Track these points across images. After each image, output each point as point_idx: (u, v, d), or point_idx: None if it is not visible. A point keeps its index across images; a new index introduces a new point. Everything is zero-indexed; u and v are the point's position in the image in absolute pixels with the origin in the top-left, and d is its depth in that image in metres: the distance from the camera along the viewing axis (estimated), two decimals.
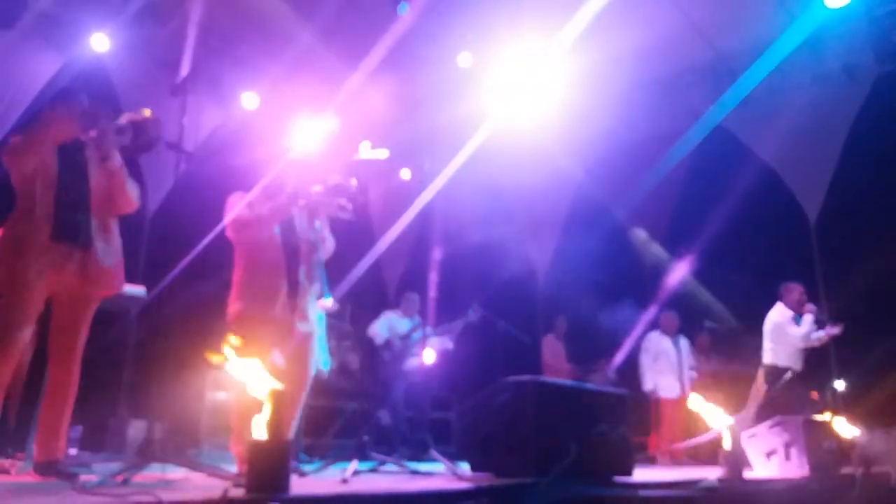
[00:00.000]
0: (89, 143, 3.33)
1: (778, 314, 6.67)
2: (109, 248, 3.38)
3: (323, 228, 4.06)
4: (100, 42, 6.50)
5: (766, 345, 6.66)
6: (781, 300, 6.72)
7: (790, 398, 6.42)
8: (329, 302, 3.99)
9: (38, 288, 3.18)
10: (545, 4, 6.66)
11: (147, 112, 3.40)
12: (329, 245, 4.10)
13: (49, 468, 3.18)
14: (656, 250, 9.27)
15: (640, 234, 9.38)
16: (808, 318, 6.50)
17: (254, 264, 3.85)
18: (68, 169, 3.32)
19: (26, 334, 3.18)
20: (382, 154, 4.07)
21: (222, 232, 4.90)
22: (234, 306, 3.82)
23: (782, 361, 6.53)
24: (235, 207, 3.79)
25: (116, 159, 3.37)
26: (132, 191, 3.48)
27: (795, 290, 6.67)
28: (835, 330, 6.52)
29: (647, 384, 7.80)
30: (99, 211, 3.37)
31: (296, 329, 3.83)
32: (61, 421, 3.31)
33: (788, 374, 6.46)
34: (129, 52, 6.69)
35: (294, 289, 3.86)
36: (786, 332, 6.56)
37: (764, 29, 7.68)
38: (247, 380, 2.60)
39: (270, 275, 3.81)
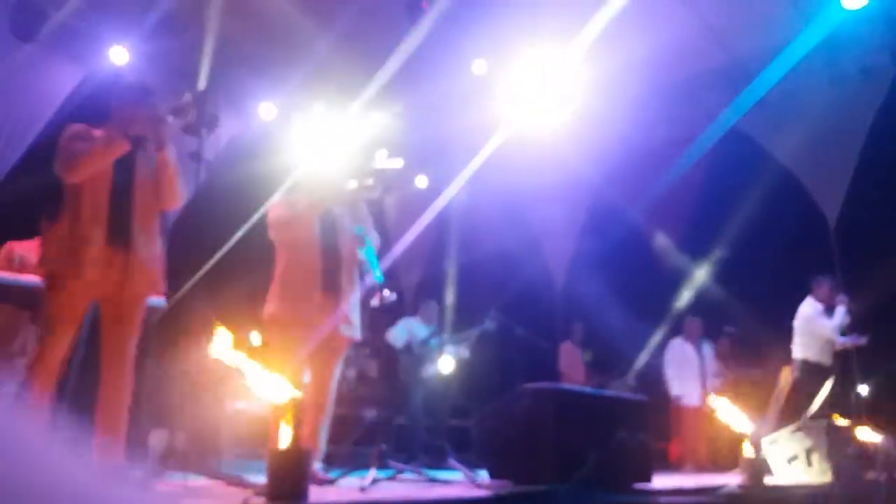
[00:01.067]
0: (146, 135, 3.27)
1: (809, 307, 6.65)
2: (151, 247, 3.34)
3: (367, 225, 4.00)
4: (118, 54, 6.57)
5: (797, 339, 6.63)
6: (812, 294, 6.69)
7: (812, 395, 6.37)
8: (387, 294, 3.98)
9: (87, 292, 3.17)
10: (559, 11, 6.68)
11: (188, 95, 3.34)
12: (374, 241, 4.02)
13: (113, 473, 3.06)
14: (676, 257, 9.24)
15: (661, 241, 9.36)
16: (840, 310, 6.48)
17: (290, 265, 3.84)
18: (121, 169, 3.28)
19: (71, 339, 3.17)
20: (398, 163, 4.06)
21: (243, 239, 4.93)
22: (267, 307, 3.83)
23: (813, 356, 6.49)
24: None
25: (171, 149, 3.34)
26: (181, 184, 3.43)
27: (825, 283, 6.66)
28: (861, 340, 6.49)
29: (674, 390, 7.73)
30: (141, 209, 3.32)
31: (335, 333, 3.82)
32: (119, 424, 3.27)
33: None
34: (147, 62, 6.76)
35: (334, 292, 3.84)
36: (817, 324, 6.52)
37: (780, 31, 7.66)
38: (262, 387, 2.61)
39: (305, 277, 3.79)
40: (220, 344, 2.65)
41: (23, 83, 6.47)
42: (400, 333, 7.24)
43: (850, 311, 6.49)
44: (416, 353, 7.09)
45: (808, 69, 8.02)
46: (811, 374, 6.46)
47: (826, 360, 6.50)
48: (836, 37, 7.78)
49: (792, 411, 6.34)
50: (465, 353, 7.45)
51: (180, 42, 6.55)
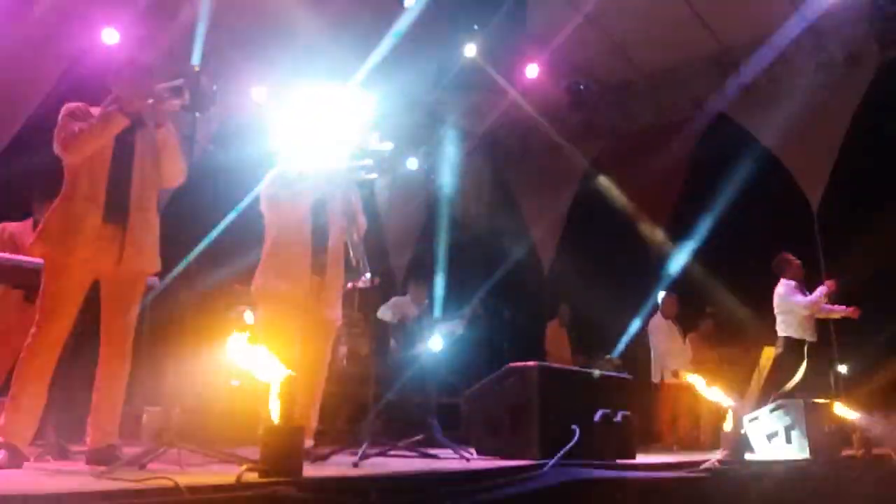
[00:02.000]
0: (145, 113, 3.25)
1: (782, 286, 6.79)
2: (148, 225, 3.33)
3: (355, 208, 4.03)
4: (110, 36, 6.57)
5: (778, 319, 6.78)
6: (782, 275, 6.82)
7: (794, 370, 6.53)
8: (367, 278, 4.01)
9: (85, 271, 3.17)
10: None
11: (194, 69, 3.34)
12: (361, 224, 4.06)
13: (106, 453, 3.11)
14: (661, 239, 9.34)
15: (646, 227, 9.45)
16: (820, 289, 6.62)
17: (279, 242, 3.89)
18: (120, 146, 3.26)
19: (72, 318, 3.16)
20: (387, 146, 4.10)
21: (236, 220, 4.96)
22: (256, 281, 3.89)
23: (795, 333, 6.64)
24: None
25: (170, 126, 3.33)
26: (182, 160, 3.42)
27: (793, 261, 6.80)
28: (850, 310, 6.62)
29: (658, 367, 7.86)
30: (140, 187, 3.30)
31: (321, 315, 3.89)
32: (117, 404, 3.28)
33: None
34: (138, 43, 6.75)
35: (320, 273, 3.90)
36: (791, 300, 6.66)
37: (767, 16, 7.72)
38: (255, 365, 2.64)
39: (296, 255, 3.85)
40: (236, 346, 2.66)
41: (13, 64, 6.44)
42: (391, 311, 7.35)
43: (829, 295, 6.61)
44: (409, 331, 7.19)
45: (793, 54, 8.11)
46: (794, 350, 6.61)
47: (809, 335, 6.66)
48: (822, 22, 7.87)
49: (774, 387, 6.47)
50: (459, 329, 7.59)
51: (171, 23, 6.54)
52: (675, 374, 7.64)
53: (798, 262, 6.82)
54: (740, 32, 8.15)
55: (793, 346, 6.62)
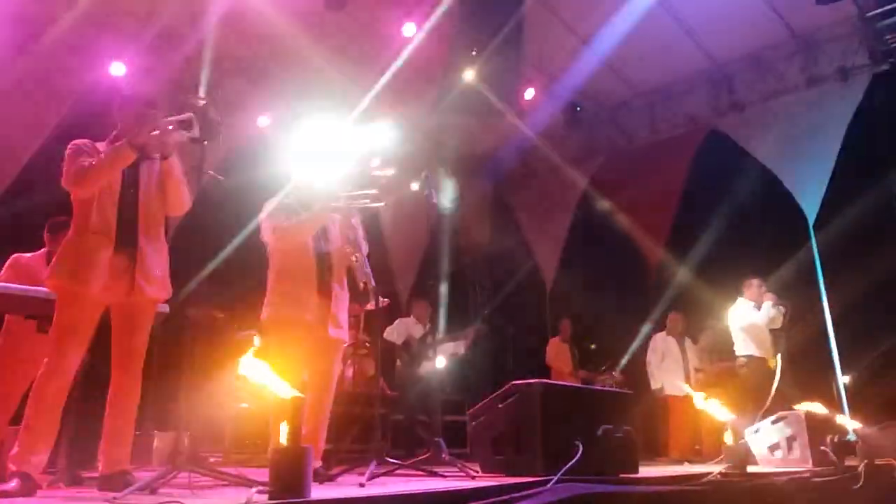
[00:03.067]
0: (150, 145, 3.30)
1: (740, 306, 6.92)
2: (157, 254, 3.38)
3: (357, 233, 4.09)
4: (117, 69, 6.70)
5: (737, 338, 6.88)
6: (742, 295, 6.95)
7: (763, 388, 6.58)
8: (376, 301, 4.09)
9: (97, 302, 3.21)
10: None
11: (201, 101, 3.42)
12: (363, 249, 4.12)
13: (118, 479, 3.13)
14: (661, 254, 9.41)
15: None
16: (766, 304, 6.73)
17: (284, 270, 3.96)
18: (127, 178, 3.33)
19: (84, 348, 3.21)
20: (390, 172, 4.19)
21: (242, 246, 5.03)
22: (264, 311, 3.96)
23: (755, 351, 6.73)
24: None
25: (175, 157, 3.38)
26: (187, 190, 3.47)
27: (754, 283, 6.91)
28: (782, 306, 6.71)
29: (655, 383, 7.94)
30: (147, 216, 3.36)
31: (327, 335, 3.94)
32: (128, 429, 3.31)
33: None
34: (145, 75, 6.88)
35: (327, 296, 3.97)
36: (747, 320, 6.78)
37: (758, 32, 7.84)
38: (264, 388, 2.69)
39: (301, 281, 3.92)
40: (246, 369, 2.71)
41: (24, 96, 6.55)
42: (396, 332, 7.45)
43: (780, 305, 6.70)
44: (415, 351, 7.29)
45: (786, 69, 8.23)
46: (756, 369, 6.69)
47: (768, 353, 6.74)
48: (814, 37, 8.00)
49: (752, 405, 6.50)
50: (461, 349, 7.68)
51: (177, 55, 6.66)
52: (658, 392, 7.79)
53: (760, 285, 6.91)
54: (732, 49, 8.28)
55: (755, 364, 6.73)
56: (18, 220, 5.84)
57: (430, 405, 6.71)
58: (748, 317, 6.83)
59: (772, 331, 6.93)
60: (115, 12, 6.79)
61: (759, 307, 6.83)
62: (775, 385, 6.74)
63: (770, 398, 6.49)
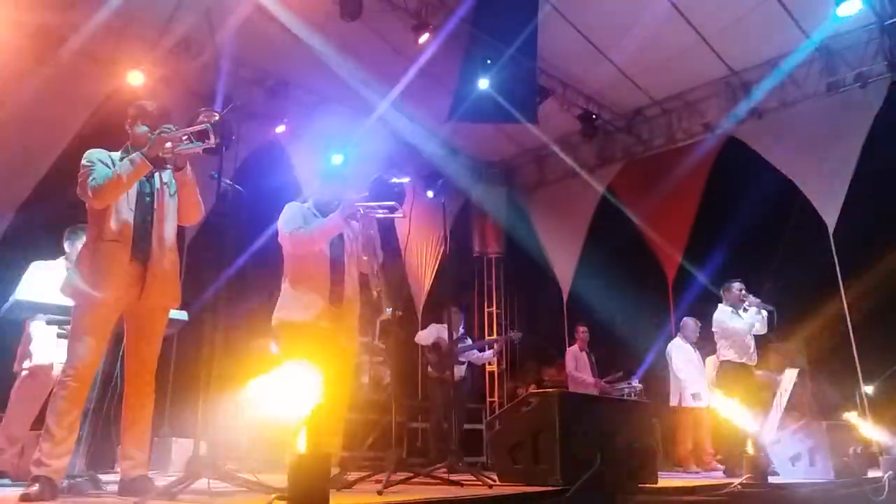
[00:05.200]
0: (164, 156, 3.33)
1: (720, 311, 6.76)
2: (169, 261, 3.44)
3: (373, 243, 4.13)
4: (135, 78, 6.77)
5: (718, 343, 6.74)
6: (722, 300, 6.81)
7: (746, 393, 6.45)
8: (388, 312, 4.09)
9: (113, 308, 3.26)
10: None
11: (215, 114, 3.35)
12: (379, 256, 4.16)
13: (138, 484, 3.19)
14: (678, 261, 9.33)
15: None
16: (751, 311, 6.58)
17: (299, 276, 3.99)
18: (143, 188, 3.40)
19: (101, 353, 3.27)
20: (405, 180, 4.19)
21: (259, 254, 5.04)
22: (275, 314, 3.99)
23: (734, 356, 6.58)
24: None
25: (189, 168, 3.42)
26: (200, 200, 3.53)
27: (734, 286, 6.76)
28: (764, 309, 6.58)
29: (677, 392, 7.78)
30: (161, 227, 3.43)
31: (340, 342, 3.96)
32: (146, 433, 3.37)
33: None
34: (164, 84, 6.94)
35: (338, 302, 3.99)
36: (728, 325, 6.63)
37: (775, 39, 7.80)
38: (286, 394, 2.69)
39: (314, 287, 3.94)
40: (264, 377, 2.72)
41: (44, 106, 6.62)
42: (429, 335, 7.48)
43: (763, 307, 6.57)
44: (444, 352, 7.31)
45: (804, 77, 8.18)
46: (736, 375, 6.54)
47: (748, 359, 6.59)
48: (832, 45, 7.95)
49: (764, 412, 6.39)
50: (490, 357, 7.71)
51: (195, 63, 6.71)
52: (696, 398, 7.58)
53: (741, 289, 6.74)
54: (749, 56, 8.24)
55: (735, 369, 6.57)
56: (39, 227, 5.89)
57: (450, 412, 6.69)
58: (728, 322, 6.68)
59: (772, 342, 6.82)
60: (133, 22, 6.90)
61: (738, 311, 6.69)
62: (786, 397, 6.64)
63: (774, 408, 6.39)
